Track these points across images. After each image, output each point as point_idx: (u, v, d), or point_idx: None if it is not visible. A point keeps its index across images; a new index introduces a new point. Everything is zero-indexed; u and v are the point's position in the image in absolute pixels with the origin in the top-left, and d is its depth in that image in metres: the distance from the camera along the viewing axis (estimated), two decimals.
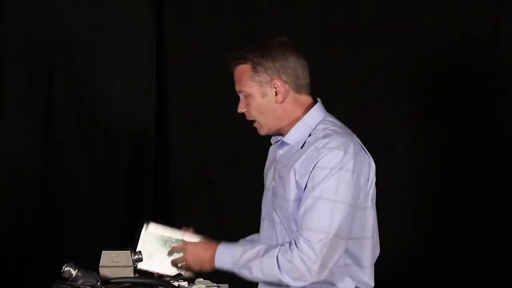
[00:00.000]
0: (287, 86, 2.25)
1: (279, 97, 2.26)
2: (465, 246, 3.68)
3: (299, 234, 2.11)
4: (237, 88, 2.31)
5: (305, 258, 2.09)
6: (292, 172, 2.20)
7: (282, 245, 2.15)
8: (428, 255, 3.69)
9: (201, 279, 2.18)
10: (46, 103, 3.66)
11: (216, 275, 2.24)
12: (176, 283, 2.09)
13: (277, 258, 2.12)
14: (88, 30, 3.66)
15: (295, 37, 2.31)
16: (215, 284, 2.13)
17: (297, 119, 2.27)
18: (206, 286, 2.12)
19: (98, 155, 3.70)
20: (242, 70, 2.29)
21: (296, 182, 2.18)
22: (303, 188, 2.16)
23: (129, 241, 3.61)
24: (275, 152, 2.36)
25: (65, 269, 1.94)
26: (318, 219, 2.11)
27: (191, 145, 3.76)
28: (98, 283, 1.93)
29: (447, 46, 3.69)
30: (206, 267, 2.23)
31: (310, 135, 2.24)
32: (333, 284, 2.20)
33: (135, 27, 3.69)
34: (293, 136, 2.26)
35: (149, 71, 3.71)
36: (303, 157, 2.19)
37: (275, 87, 2.26)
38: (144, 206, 3.73)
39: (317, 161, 2.15)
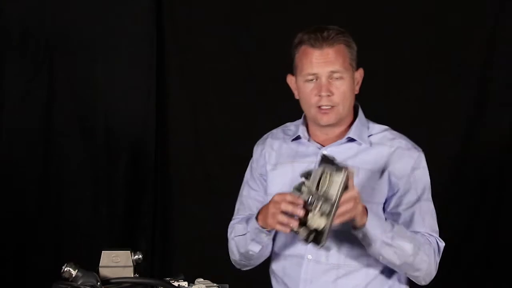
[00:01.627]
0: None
1: (357, 88, 2.22)
2: (465, 246, 3.68)
3: (432, 236, 2.13)
4: (334, 68, 2.12)
5: (437, 258, 2.15)
6: (384, 173, 2.14)
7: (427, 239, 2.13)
8: None
9: (201, 279, 2.17)
10: (46, 103, 3.66)
11: (216, 275, 2.24)
12: (176, 283, 2.08)
13: (433, 248, 2.13)
14: (88, 30, 3.67)
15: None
16: (215, 284, 2.12)
17: (350, 118, 2.22)
18: (206, 286, 2.11)
19: (98, 155, 3.70)
20: (342, 50, 2.14)
21: (391, 183, 2.15)
22: (401, 189, 2.14)
23: (129, 241, 3.65)
24: (305, 151, 2.22)
25: (65, 269, 1.94)
26: (436, 221, 2.17)
27: (191, 145, 3.76)
28: (98, 283, 1.93)
29: (446, 46, 3.69)
30: (358, 222, 2.00)
31: (370, 134, 2.21)
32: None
33: (135, 27, 3.69)
34: (357, 133, 2.20)
35: (149, 71, 3.71)
36: (395, 158, 2.16)
37: (357, 77, 2.21)
38: (144, 206, 3.73)
39: (414, 162, 2.17)
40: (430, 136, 3.68)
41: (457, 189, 3.69)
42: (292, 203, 1.94)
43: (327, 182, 1.93)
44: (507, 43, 3.66)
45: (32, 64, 3.65)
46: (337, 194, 1.91)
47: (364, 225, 2.00)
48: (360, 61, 3.61)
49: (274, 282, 2.30)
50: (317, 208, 1.93)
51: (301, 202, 1.94)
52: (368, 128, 2.23)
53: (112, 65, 3.69)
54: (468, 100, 3.70)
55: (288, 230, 1.97)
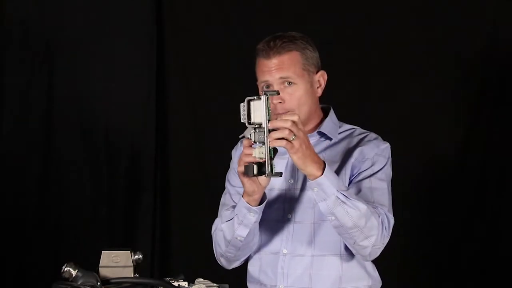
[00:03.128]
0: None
1: (319, 90, 2.26)
2: (465, 246, 3.69)
3: (377, 207, 2.14)
4: (283, 74, 2.18)
5: (385, 232, 2.14)
6: (348, 162, 2.21)
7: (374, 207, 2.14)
8: (428, 255, 3.69)
9: (201, 279, 2.18)
10: (46, 103, 3.66)
11: (216, 275, 2.24)
12: (176, 283, 2.08)
13: (381, 219, 2.12)
14: (88, 30, 3.67)
15: None
16: (215, 284, 2.12)
17: (318, 119, 2.27)
18: (206, 286, 2.11)
19: (98, 155, 3.70)
20: (293, 56, 2.19)
21: (352, 166, 2.20)
22: (359, 169, 2.20)
23: (129, 241, 3.65)
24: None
25: (65, 269, 1.94)
26: (388, 198, 2.20)
27: (191, 145, 3.76)
28: (98, 283, 1.93)
29: (446, 45, 3.69)
30: (310, 166, 2.02)
31: (340, 132, 2.28)
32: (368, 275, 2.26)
33: (135, 27, 3.70)
34: (328, 129, 2.26)
35: (149, 71, 3.71)
36: (360, 147, 2.23)
37: (319, 80, 2.25)
38: (144, 206, 3.73)
39: (378, 150, 2.23)
40: (430, 136, 3.69)
41: (457, 189, 3.69)
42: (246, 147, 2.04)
43: (253, 113, 2.00)
44: (507, 43, 3.66)
45: (32, 64, 3.65)
46: (262, 117, 1.97)
47: (319, 176, 2.03)
48: (360, 61, 3.64)
49: (250, 282, 2.35)
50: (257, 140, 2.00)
51: (246, 143, 2.03)
52: (339, 127, 2.31)
53: (112, 65, 3.69)
54: (468, 100, 3.70)
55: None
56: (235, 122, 3.68)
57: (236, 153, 2.42)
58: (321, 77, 2.26)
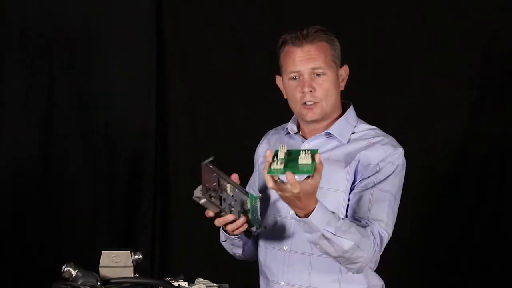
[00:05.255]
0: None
1: (343, 84, 2.27)
2: (465, 246, 3.69)
3: (372, 223, 2.11)
4: (315, 64, 2.18)
5: (377, 249, 2.10)
6: (353, 163, 2.18)
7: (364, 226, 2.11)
8: (428, 255, 3.69)
9: (201, 279, 2.18)
10: (46, 103, 3.66)
11: (216, 275, 2.24)
12: (176, 283, 2.09)
13: (372, 240, 2.09)
14: (88, 30, 3.67)
15: None
16: (215, 284, 2.12)
17: (337, 114, 2.26)
18: (206, 286, 2.11)
19: (98, 155, 3.70)
20: (324, 47, 2.20)
21: (357, 170, 2.17)
22: (363, 175, 2.16)
23: (129, 241, 3.65)
24: (292, 145, 2.28)
25: (65, 269, 1.94)
26: (388, 213, 2.14)
27: (191, 145, 3.76)
28: (98, 283, 1.93)
29: (446, 45, 3.69)
30: (298, 212, 1.99)
31: (353, 132, 2.25)
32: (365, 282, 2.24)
33: (135, 27, 3.70)
34: (338, 129, 2.24)
35: (149, 71, 3.71)
36: (367, 150, 2.18)
37: (341, 74, 2.26)
38: (144, 206, 3.73)
39: (386, 156, 2.18)
40: (430, 136, 3.69)
41: (457, 189, 3.69)
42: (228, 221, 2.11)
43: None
44: (507, 43, 3.66)
45: (32, 64, 3.65)
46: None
47: (307, 216, 1.99)
48: (360, 61, 3.64)
49: (260, 273, 2.37)
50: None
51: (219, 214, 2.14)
52: (354, 126, 2.28)
53: (112, 65, 3.69)
54: (468, 100, 3.70)
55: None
56: (235, 122, 3.70)
57: (258, 148, 2.45)
58: (344, 71, 2.27)
